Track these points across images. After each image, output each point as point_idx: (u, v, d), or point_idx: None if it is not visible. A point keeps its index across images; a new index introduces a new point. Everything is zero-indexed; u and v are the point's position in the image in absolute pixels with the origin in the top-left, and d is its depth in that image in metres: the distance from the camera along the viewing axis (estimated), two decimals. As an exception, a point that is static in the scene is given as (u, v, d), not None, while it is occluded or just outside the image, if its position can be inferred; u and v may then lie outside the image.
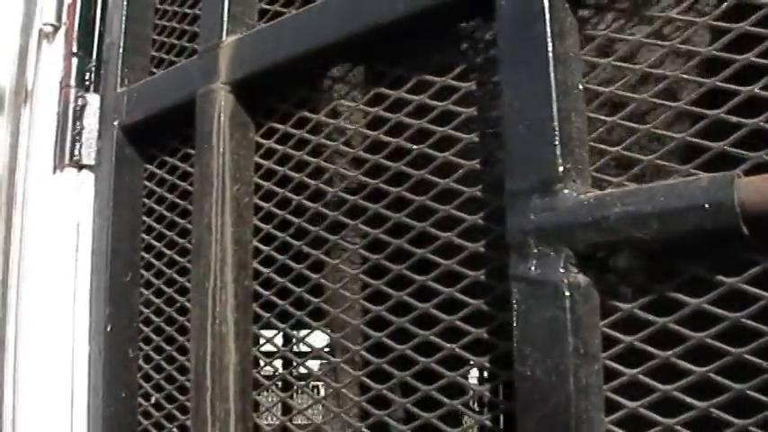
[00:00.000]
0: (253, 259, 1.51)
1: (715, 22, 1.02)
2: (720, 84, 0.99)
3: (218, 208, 1.50)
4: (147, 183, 1.84)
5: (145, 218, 1.83)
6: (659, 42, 1.06)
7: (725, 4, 1.02)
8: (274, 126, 1.53)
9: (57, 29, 2.02)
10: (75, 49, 1.97)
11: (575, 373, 1.00)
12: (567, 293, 1.01)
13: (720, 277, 0.95)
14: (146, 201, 1.83)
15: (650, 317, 1.00)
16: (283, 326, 1.47)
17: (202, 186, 1.54)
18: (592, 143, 1.09)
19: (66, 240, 1.90)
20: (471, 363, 1.18)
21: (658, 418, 0.98)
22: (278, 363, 1.54)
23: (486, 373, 1.16)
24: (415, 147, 1.27)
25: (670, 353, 0.98)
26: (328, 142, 1.43)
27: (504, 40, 1.14)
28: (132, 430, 1.74)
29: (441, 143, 1.24)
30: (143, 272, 1.80)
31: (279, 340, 1.52)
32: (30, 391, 1.85)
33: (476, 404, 1.21)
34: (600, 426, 1.01)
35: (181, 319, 1.66)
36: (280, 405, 1.55)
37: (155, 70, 1.87)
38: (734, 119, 0.97)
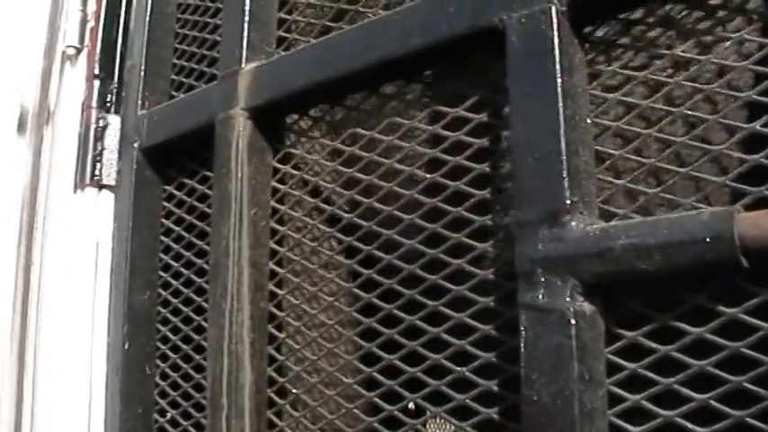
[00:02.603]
0: (269, 281, 1.55)
1: (719, 60, 1.06)
2: (722, 120, 1.03)
3: (235, 232, 1.54)
4: (165, 203, 1.88)
5: (163, 238, 1.86)
6: (665, 79, 1.10)
7: (729, 42, 1.05)
8: (291, 152, 1.57)
9: (79, 51, 2.06)
10: (97, 72, 2.02)
11: (580, 397, 1.03)
12: (573, 321, 1.05)
13: (721, 307, 0.98)
14: (164, 221, 1.87)
15: (653, 344, 1.03)
16: (298, 346, 1.51)
17: (220, 210, 1.58)
18: (599, 176, 1.12)
19: (86, 259, 1.93)
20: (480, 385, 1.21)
21: (661, 442, 1.01)
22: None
23: (493, 397, 1.19)
24: (427, 175, 1.31)
25: (672, 380, 1.01)
26: (343, 168, 1.47)
27: (514, 73, 1.17)
28: (148, 447, 1.78)
29: (452, 172, 1.28)
30: (161, 291, 1.84)
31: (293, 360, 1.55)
32: (48, 407, 1.88)
33: (484, 426, 1.24)
34: (604, 449, 1.04)
35: (197, 337, 1.69)
36: (293, 423, 1.57)
37: (174, 93, 1.91)
38: (736, 154, 1.01)
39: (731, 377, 0.96)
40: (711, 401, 0.97)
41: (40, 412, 1.88)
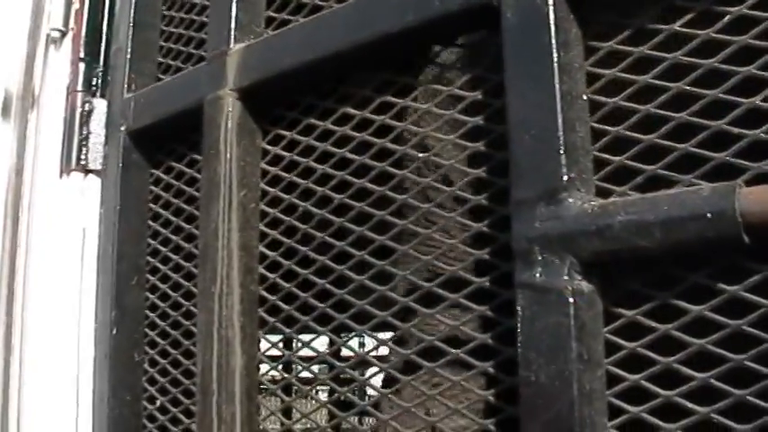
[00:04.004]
0: (259, 264, 1.53)
1: (717, 35, 1.04)
2: (722, 95, 1.01)
3: (224, 214, 1.51)
4: (153, 187, 1.86)
5: (151, 222, 1.84)
6: (662, 54, 1.08)
7: (727, 18, 1.03)
8: (281, 133, 1.55)
9: (64, 34, 2.04)
10: (82, 55, 2.00)
11: (578, 378, 1.01)
12: (571, 300, 1.03)
13: (722, 285, 0.96)
14: (152, 205, 1.85)
15: (652, 323, 1.02)
16: (289, 330, 1.49)
17: (209, 192, 1.56)
18: (596, 152, 1.11)
19: (73, 244, 1.91)
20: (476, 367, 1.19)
21: (660, 422, 1.00)
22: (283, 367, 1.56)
23: (490, 378, 1.18)
24: (421, 155, 1.29)
25: (672, 359, 1.00)
26: (334, 149, 1.45)
27: (509, 50, 1.15)
28: (137, 433, 1.76)
29: (447, 151, 1.26)
30: (149, 276, 1.82)
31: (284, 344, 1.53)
32: (35, 394, 1.87)
33: (480, 408, 1.22)
34: (603, 430, 1.02)
35: (186, 323, 1.67)
36: (284, 409, 1.56)
37: (162, 76, 1.88)
38: (735, 130, 0.99)
39: (732, 355, 0.95)
40: (712, 380, 0.96)
41: (26, 398, 1.86)
